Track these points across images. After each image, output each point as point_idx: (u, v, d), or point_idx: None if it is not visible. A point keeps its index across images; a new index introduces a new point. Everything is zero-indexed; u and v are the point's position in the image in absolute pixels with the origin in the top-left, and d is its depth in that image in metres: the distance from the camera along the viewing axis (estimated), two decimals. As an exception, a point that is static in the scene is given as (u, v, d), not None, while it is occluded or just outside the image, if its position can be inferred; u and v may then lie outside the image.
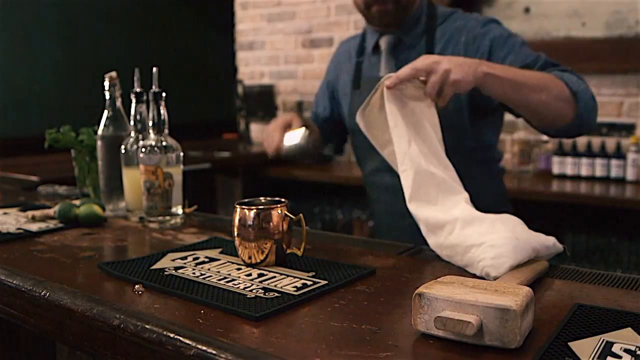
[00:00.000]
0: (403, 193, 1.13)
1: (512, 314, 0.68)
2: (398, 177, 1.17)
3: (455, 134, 1.43)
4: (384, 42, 1.58)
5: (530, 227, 1.10)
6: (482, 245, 0.97)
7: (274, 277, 0.96)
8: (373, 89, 1.23)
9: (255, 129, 4.16)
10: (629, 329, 0.75)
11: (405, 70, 1.17)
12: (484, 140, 1.58)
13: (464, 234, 1.02)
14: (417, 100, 1.20)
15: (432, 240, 1.08)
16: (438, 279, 0.79)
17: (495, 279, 0.92)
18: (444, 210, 1.08)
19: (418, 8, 1.57)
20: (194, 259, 1.07)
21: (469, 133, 1.53)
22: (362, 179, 1.79)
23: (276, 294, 0.88)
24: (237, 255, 1.05)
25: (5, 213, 1.47)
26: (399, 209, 1.29)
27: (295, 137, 1.50)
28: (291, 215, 1.03)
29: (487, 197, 1.36)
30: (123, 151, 1.38)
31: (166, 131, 1.33)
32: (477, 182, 1.36)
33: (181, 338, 0.74)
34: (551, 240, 1.06)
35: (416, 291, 0.74)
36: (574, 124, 1.31)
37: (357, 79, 1.65)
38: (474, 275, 0.98)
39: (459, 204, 1.09)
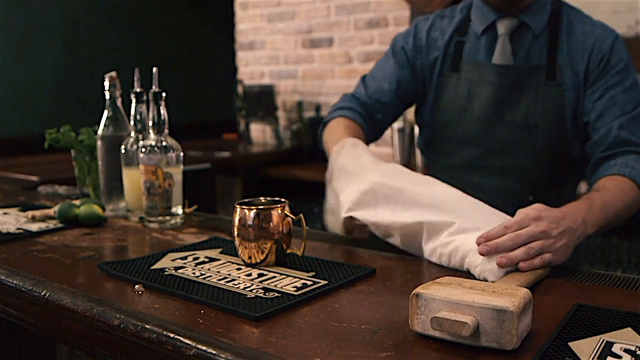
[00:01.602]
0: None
1: (508, 315, 0.68)
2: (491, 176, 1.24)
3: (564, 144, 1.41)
4: (503, 25, 1.41)
5: None
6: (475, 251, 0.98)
7: (274, 277, 0.96)
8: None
9: (255, 129, 4.16)
10: (629, 329, 0.75)
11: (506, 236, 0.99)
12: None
13: (461, 240, 1.02)
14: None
15: (429, 246, 1.07)
16: (436, 280, 0.79)
17: (494, 282, 0.92)
18: (440, 216, 1.08)
19: None
20: (194, 259, 1.07)
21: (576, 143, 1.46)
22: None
23: (276, 294, 0.88)
24: (237, 255, 1.05)
25: (5, 213, 1.47)
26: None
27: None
28: (291, 216, 1.03)
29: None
30: (123, 151, 1.38)
31: (166, 131, 1.33)
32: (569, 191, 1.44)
33: (181, 338, 0.74)
34: None
35: (413, 291, 0.74)
36: (637, 217, 1.30)
37: (456, 61, 1.48)
38: (473, 277, 0.98)
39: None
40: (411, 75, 1.53)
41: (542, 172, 1.44)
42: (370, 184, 1.15)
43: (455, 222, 1.05)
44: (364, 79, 1.59)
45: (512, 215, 1.05)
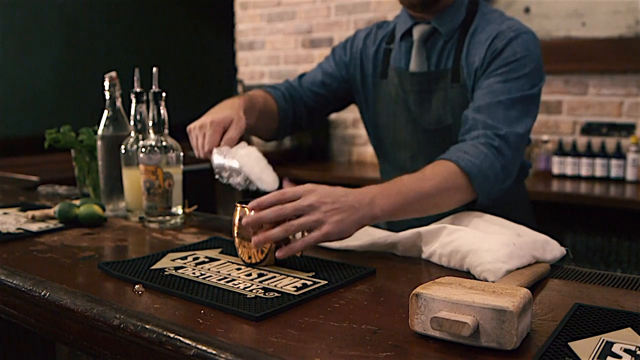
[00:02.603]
0: None
1: (508, 315, 0.68)
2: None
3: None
4: (417, 32, 1.46)
5: (530, 228, 1.10)
6: (478, 251, 0.98)
7: (274, 277, 0.96)
8: None
9: (255, 129, 4.16)
10: (629, 329, 0.75)
11: (269, 201, 1.00)
12: None
13: (461, 240, 1.02)
14: None
15: (428, 248, 1.07)
16: (436, 280, 0.79)
17: (494, 282, 0.92)
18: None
19: None
20: (194, 259, 1.07)
21: None
22: (355, 179, 1.70)
23: (276, 294, 0.88)
24: (237, 256, 1.05)
25: (5, 213, 1.47)
26: None
27: (234, 160, 1.23)
28: (290, 215, 1.03)
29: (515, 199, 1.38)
30: (123, 151, 1.38)
31: (166, 131, 1.33)
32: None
33: (181, 338, 0.74)
34: (554, 245, 1.06)
35: (413, 291, 0.74)
36: (471, 203, 1.24)
37: (384, 68, 1.52)
38: (473, 277, 0.98)
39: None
40: (344, 75, 1.59)
41: None
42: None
43: (451, 225, 1.05)
44: (301, 75, 1.64)
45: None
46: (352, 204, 1.02)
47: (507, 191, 1.31)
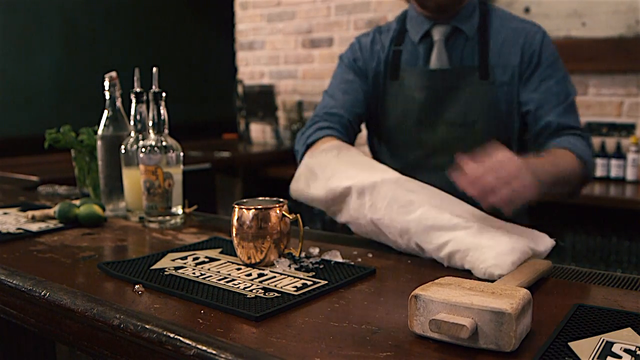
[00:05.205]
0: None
1: (507, 317, 0.67)
2: (436, 174, 1.30)
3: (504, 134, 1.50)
4: (438, 32, 1.51)
5: (530, 228, 1.10)
6: (479, 248, 0.98)
7: (274, 277, 0.96)
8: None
9: (255, 129, 4.16)
10: (629, 329, 0.75)
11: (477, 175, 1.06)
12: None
13: (458, 240, 1.02)
14: None
15: (426, 247, 1.07)
16: (436, 280, 0.79)
17: (500, 276, 0.92)
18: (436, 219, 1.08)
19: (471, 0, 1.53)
20: (194, 259, 1.07)
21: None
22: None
23: (276, 294, 0.88)
24: (237, 255, 1.05)
25: (5, 213, 1.47)
26: None
27: None
28: (288, 215, 1.03)
29: None
30: (123, 151, 1.38)
31: (166, 131, 1.33)
32: None
33: (181, 338, 0.74)
34: (539, 235, 1.07)
35: (412, 293, 0.74)
36: (579, 189, 1.44)
37: (395, 69, 1.56)
38: (474, 277, 0.98)
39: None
40: (366, 85, 1.61)
41: None
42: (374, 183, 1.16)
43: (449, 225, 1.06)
44: (327, 93, 1.62)
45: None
46: (527, 171, 1.09)
47: None
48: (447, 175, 1.46)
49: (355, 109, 1.57)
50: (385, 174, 1.20)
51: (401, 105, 1.54)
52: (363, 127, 1.65)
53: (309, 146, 1.46)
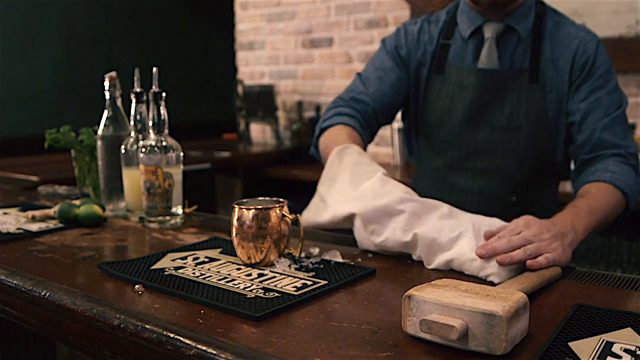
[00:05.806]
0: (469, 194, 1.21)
1: (498, 320, 0.67)
2: (474, 178, 1.33)
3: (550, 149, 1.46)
4: (490, 29, 1.44)
5: None
6: (477, 258, 0.98)
7: (274, 277, 0.96)
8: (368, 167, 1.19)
9: (255, 129, 4.16)
10: (629, 329, 0.75)
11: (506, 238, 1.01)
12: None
13: (457, 250, 1.02)
14: None
15: (428, 258, 1.06)
16: (432, 282, 0.79)
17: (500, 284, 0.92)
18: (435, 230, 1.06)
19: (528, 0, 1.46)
20: (194, 259, 1.07)
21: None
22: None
23: (276, 294, 0.88)
24: (237, 255, 1.05)
25: (5, 213, 1.47)
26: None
27: None
28: (288, 215, 1.03)
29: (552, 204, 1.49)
30: (123, 151, 1.38)
31: (166, 131, 1.33)
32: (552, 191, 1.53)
33: (181, 338, 0.74)
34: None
35: (406, 293, 0.74)
36: (620, 219, 1.34)
37: (440, 63, 1.50)
38: (475, 279, 0.98)
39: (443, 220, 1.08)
40: (407, 75, 1.54)
41: (525, 173, 1.46)
42: (362, 207, 1.12)
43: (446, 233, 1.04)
44: (360, 76, 1.56)
45: (497, 216, 1.09)
46: (562, 231, 1.06)
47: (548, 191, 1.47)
48: (485, 180, 1.47)
49: (385, 99, 1.51)
50: (374, 199, 1.12)
51: (443, 101, 1.48)
52: (398, 115, 1.59)
53: (322, 130, 1.47)
